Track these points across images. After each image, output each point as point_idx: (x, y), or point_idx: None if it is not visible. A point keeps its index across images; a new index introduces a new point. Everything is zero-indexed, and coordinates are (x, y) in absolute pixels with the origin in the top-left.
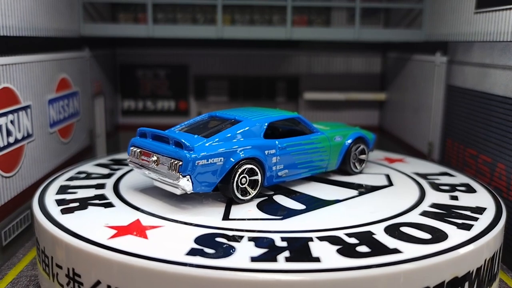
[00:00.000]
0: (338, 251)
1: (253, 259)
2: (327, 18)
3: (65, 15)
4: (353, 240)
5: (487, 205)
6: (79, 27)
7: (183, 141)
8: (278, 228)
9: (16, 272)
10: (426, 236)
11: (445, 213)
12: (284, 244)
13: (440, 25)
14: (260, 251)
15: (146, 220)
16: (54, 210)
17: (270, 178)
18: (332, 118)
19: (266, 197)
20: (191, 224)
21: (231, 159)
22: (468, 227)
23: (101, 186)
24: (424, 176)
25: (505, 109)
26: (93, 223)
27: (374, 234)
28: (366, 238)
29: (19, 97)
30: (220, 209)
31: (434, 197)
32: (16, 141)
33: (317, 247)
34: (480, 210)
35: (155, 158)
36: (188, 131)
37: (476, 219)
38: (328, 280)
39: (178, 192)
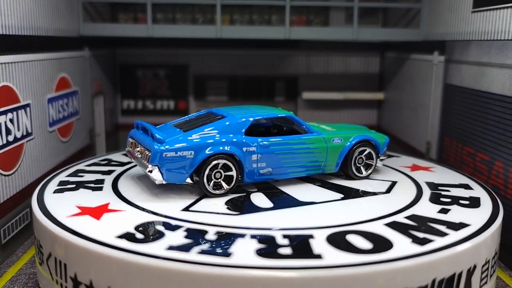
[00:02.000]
0: (258, 250)
1: (169, 248)
2: (325, 18)
3: (65, 15)
4: (283, 241)
5: (474, 222)
6: (78, 27)
7: (155, 134)
8: (223, 223)
9: (15, 270)
10: (366, 245)
11: (415, 225)
12: (213, 237)
13: (438, 25)
14: (183, 241)
15: (114, 205)
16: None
17: (251, 175)
18: (331, 118)
19: (244, 194)
20: (149, 211)
21: (202, 153)
22: (423, 242)
23: (109, 172)
24: (436, 186)
25: (502, 107)
26: (67, 202)
27: (312, 238)
28: (297, 241)
29: (19, 95)
30: (190, 201)
31: (421, 208)
32: (16, 139)
33: (239, 244)
34: (459, 226)
35: (139, 148)
36: (177, 125)
37: (444, 234)
38: (223, 276)
39: (156, 182)
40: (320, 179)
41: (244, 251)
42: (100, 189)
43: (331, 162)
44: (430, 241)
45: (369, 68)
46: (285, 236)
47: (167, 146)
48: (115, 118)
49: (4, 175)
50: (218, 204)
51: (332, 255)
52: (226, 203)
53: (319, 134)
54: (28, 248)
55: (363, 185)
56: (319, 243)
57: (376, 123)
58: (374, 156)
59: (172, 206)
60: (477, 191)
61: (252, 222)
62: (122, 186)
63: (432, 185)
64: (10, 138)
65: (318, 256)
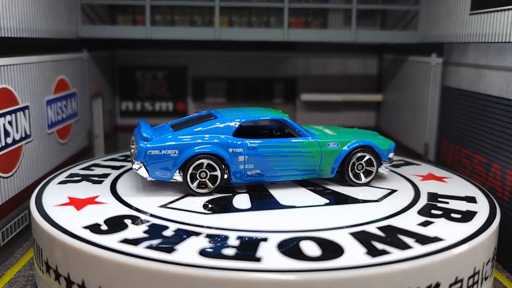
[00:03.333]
0: (202, 250)
1: (122, 241)
2: (324, 20)
3: (63, 16)
4: (233, 242)
5: (450, 237)
6: (77, 28)
7: (143, 132)
8: (188, 221)
9: (13, 272)
10: (314, 252)
11: (382, 236)
12: (169, 233)
13: (436, 27)
14: (139, 235)
15: (101, 198)
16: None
17: (238, 176)
18: (330, 120)
19: (231, 194)
20: (128, 206)
21: (186, 152)
22: (378, 253)
23: (119, 167)
24: (436, 197)
25: (500, 109)
26: (61, 192)
27: (265, 241)
28: (246, 243)
29: (18, 98)
30: (173, 198)
31: (402, 219)
32: (14, 141)
33: (188, 242)
34: (430, 240)
35: (133, 146)
36: (173, 125)
37: (407, 247)
38: (160, 271)
39: (148, 178)
40: (317, 184)
41: (189, 249)
42: (100, 182)
43: (326, 167)
44: (387, 253)
45: (368, 70)
46: (238, 238)
47: (152, 144)
48: (114, 119)
49: (3, 177)
50: (198, 203)
51: (273, 260)
52: (206, 202)
53: (313, 138)
54: (26, 250)
55: (358, 192)
56: (268, 247)
57: (374, 124)
58: (375, 163)
59: (153, 202)
60: (479, 205)
61: (216, 222)
62: (122, 181)
63: (433, 196)
64: (9, 140)
65: (258, 259)
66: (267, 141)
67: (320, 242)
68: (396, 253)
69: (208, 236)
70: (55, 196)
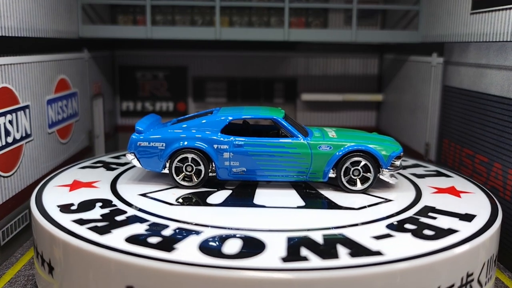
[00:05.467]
0: (132, 236)
1: (75, 220)
2: (324, 20)
3: (64, 16)
4: (167, 232)
5: (390, 252)
6: (78, 28)
7: (136, 125)
8: (149, 210)
9: (14, 272)
10: (233, 250)
11: (317, 243)
12: (119, 219)
13: (436, 27)
14: (92, 217)
15: (99, 183)
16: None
17: (223, 172)
18: (330, 119)
19: (215, 190)
20: (115, 192)
21: (172, 146)
22: (298, 259)
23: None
24: (428, 211)
25: (501, 109)
26: (75, 176)
27: (197, 234)
28: (182, 236)
29: (18, 97)
30: (158, 188)
31: (360, 230)
32: (15, 141)
33: (128, 228)
34: (363, 253)
35: None
36: (179, 121)
37: (334, 257)
38: (90, 252)
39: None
40: (313, 187)
41: (119, 236)
42: (113, 169)
43: (317, 170)
44: (304, 259)
45: (368, 70)
46: (176, 229)
47: (142, 136)
48: (114, 119)
49: (3, 177)
50: (176, 194)
51: (187, 252)
52: (185, 195)
53: (305, 139)
54: (27, 249)
55: (347, 199)
56: (195, 240)
57: (375, 124)
58: (372, 169)
59: (139, 190)
60: (473, 223)
61: (174, 214)
62: (132, 170)
63: (426, 210)
64: (9, 139)
65: (172, 249)
66: (253, 140)
67: (246, 240)
68: (314, 261)
69: (149, 225)
70: (64, 179)
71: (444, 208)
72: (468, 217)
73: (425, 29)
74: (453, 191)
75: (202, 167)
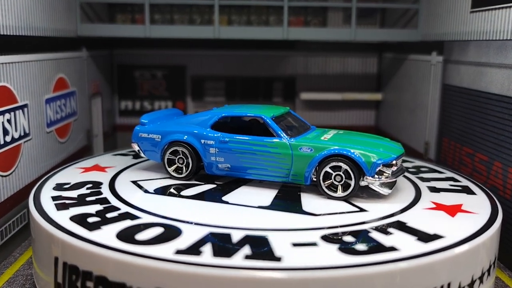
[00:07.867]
0: (72, 217)
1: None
2: (323, 18)
3: (62, 15)
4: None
5: (312, 264)
6: (76, 27)
7: (141, 118)
8: (126, 198)
9: (12, 271)
10: (143, 237)
11: (229, 243)
12: (95, 208)
13: (436, 25)
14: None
15: (109, 168)
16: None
17: (209, 167)
18: (329, 119)
19: (202, 183)
20: (111, 181)
21: (165, 138)
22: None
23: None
24: (388, 227)
25: (501, 107)
26: (98, 161)
27: (134, 219)
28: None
29: (16, 96)
30: (153, 176)
31: (279, 236)
32: (13, 140)
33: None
34: (268, 258)
35: None
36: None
37: (230, 256)
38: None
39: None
40: (297, 190)
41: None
42: (127, 155)
43: (298, 172)
44: (196, 254)
45: (367, 69)
46: (124, 213)
47: (143, 128)
48: (113, 119)
49: (2, 176)
50: (162, 184)
51: (107, 239)
52: (168, 186)
53: (288, 140)
54: (25, 249)
55: (319, 205)
56: (121, 225)
57: (374, 123)
58: (353, 176)
59: (133, 177)
60: (425, 246)
61: (146, 205)
62: (141, 158)
63: (390, 225)
64: (8, 138)
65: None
66: (237, 137)
67: (166, 231)
68: (204, 258)
69: (121, 215)
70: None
71: (413, 226)
72: (429, 238)
73: (425, 27)
74: (452, 209)
75: (189, 160)
